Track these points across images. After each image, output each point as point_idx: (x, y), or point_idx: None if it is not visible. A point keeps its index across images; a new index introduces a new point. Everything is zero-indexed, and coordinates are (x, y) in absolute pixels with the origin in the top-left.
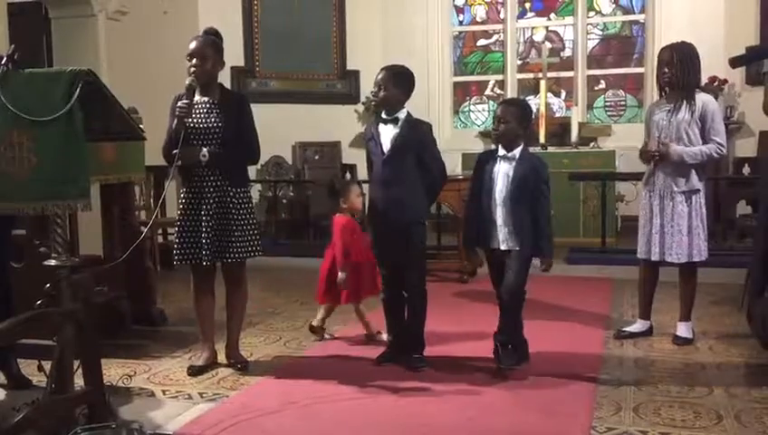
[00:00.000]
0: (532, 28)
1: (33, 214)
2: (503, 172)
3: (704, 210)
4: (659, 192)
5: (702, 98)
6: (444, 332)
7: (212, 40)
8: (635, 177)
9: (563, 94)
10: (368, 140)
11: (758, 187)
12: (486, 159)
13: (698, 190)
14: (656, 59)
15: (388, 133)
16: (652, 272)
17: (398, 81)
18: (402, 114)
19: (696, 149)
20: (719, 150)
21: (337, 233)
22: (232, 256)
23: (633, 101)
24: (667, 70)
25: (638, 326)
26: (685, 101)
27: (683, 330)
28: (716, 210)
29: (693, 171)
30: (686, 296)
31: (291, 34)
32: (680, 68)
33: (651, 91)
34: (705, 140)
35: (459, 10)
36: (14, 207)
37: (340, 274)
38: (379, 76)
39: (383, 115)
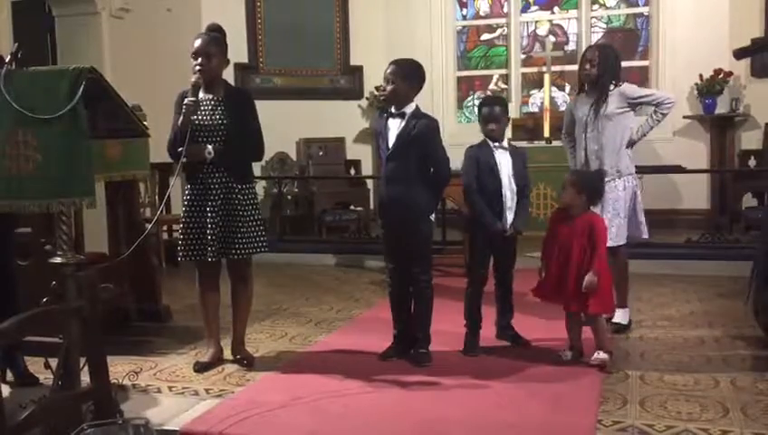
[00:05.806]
0: (536, 22)
1: (38, 212)
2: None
3: (621, 194)
4: None
5: (619, 88)
6: (450, 326)
7: (215, 37)
8: (640, 169)
9: (567, 88)
10: (377, 135)
11: (765, 179)
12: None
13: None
14: (661, 52)
15: (395, 128)
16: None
17: (408, 75)
18: (410, 109)
19: (642, 127)
20: (665, 101)
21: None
22: (237, 252)
23: None
24: (588, 67)
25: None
26: (605, 96)
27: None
28: (722, 202)
29: (619, 160)
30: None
31: (294, 31)
32: (603, 67)
33: (656, 84)
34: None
35: (462, 4)
36: (19, 205)
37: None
38: (388, 70)
39: (392, 110)
